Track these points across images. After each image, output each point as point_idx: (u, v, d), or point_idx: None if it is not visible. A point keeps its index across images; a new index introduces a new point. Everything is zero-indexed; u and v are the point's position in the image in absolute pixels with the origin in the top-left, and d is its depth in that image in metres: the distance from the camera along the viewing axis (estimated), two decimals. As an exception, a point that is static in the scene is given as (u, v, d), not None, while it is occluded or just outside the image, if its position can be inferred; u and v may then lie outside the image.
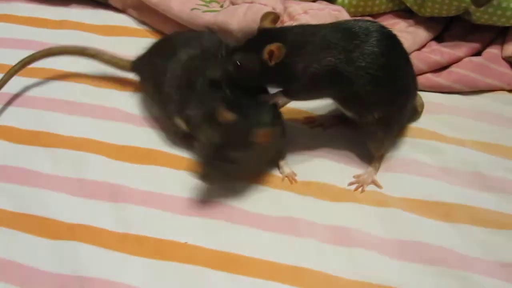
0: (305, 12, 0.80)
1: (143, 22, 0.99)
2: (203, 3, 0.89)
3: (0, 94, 0.86)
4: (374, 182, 0.74)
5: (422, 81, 0.85)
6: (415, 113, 0.80)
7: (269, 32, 0.69)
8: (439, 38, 0.92)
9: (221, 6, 0.88)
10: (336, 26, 0.70)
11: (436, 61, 0.86)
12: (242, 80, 0.69)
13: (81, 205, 0.72)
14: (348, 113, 0.73)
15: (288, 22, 0.80)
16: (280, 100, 0.73)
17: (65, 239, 0.68)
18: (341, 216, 0.71)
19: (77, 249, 0.68)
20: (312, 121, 0.81)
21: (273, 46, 0.64)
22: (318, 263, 0.66)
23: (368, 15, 0.95)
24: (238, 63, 0.67)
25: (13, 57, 0.92)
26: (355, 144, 0.78)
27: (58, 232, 0.69)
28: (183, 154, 0.77)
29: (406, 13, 0.93)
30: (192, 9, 0.86)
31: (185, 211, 0.71)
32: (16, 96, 0.87)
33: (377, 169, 0.75)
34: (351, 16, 0.88)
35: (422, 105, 0.81)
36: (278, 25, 0.78)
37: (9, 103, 0.86)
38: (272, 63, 0.66)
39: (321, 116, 0.82)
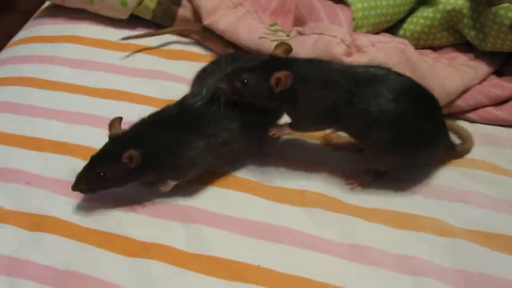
0: (373, 45, 0.82)
1: (206, 47, 1.02)
2: (270, 32, 0.92)
3: (75, 114, 0.89)
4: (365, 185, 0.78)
5: (482, 114, 0.87)
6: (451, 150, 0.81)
7: (280, 60, 0.72)
8: (498, 72, 0.93)
9: (288, 36, 0.91)
10: (344, 68, 0.73)
11: (497, 95, 0.87)
12: (244, 97, 0.72)
13: (153, 224, 0.75)
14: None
15: (356, 54, 0.82)
16: (286, 131, 0.76)
17: (139, 257, 0.71)
18: (405, 244, 0.72)
19: (151, 266, 0.70)
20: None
21: (281, 74, 0.68)
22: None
23: (429, 48, 0.97)
24: (245, 81, 0.71)
25: (80, 77, 0.97)
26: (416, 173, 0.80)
27: (132, 249, 0.72)
28: (253, 178, 0.80)
29: (466, 47, 0.95)
30: (260, 38, 0.89)
31: (257, 234, 0.73)
32: (93, 117, 0.90)
33: (374, 178, 0.78)
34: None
35: (470, 138, 0.83)
36: (347, 57, 0.81)
37: (89, 123, 0.89)
38: (278, 89, 0.69)
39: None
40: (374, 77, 0.71)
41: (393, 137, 0.71)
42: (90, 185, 0.73)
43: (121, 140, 0.73)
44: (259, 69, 0.72)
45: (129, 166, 0.70)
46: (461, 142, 0.83)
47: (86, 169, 0.73)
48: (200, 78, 0.81)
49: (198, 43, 1.04)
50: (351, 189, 0.78)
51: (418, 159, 0.77)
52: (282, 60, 0.73)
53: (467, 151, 0.82)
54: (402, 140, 0.72)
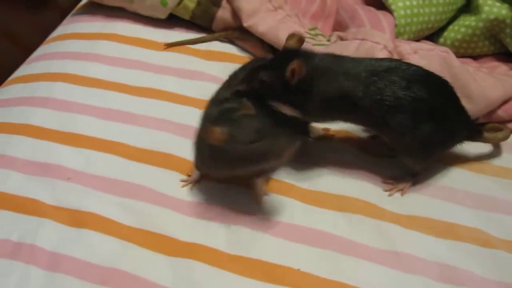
0: (415, 52, 0.82)
1: (245, 49, 1.03)
2: (310, 36, 0.92)
3: (114, 111, 0.90)
4: (404, 191, 0.78)
5: (522, 125, 0.87)
6: (476, 135, 0.81)
7: (293, 52, 0.72)
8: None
9: (328, 40, 0.91)
10: (358, 59, 0.74)
11: (536, 104, 0.87)
12: (265, 96, 0.73)
13: (195, 225, 0.75)
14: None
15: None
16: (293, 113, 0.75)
17: (181, 257, 0.71)
18: (445, 253, 0.72)
19: (193, 267, 0.70)
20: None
21: (294, 64, 0.68)
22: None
23: (469, 57, 0.96)
24: (263, 79, 0.71)
25: (117, 75, 0.98)
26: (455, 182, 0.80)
27: (174, 249, 0.72)
28: (294, 182, 0.80)
29: (507, 57, 0.95)
30: (301, 42, 0.89)
31: (297, 238, 0.73)
32: (131, 115, 0.91)
33: (412, 182, 0.79)
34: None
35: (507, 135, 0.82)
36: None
37: (127, 121, 0.90)
38: (294, 80, 0.69)
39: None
40: (387, 68, 0.72)
41: (410, 120, 0.72)
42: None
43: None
44: (274, 64, 0.72)
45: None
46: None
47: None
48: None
49: (236, 44, 1.04)
50: (390, 195, 0.78)
51: (441, 144, 0.77)
52: (295, 51, 0.73)
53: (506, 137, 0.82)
54: (419, 122, 0.72)
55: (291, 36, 0.74)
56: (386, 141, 0.77)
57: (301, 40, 0.74)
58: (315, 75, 0.71)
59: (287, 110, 0.74)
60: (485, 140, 0.82)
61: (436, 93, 0.73)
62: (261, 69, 0.72)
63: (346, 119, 0.77)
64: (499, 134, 0.81)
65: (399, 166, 0.80)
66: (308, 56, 0.72)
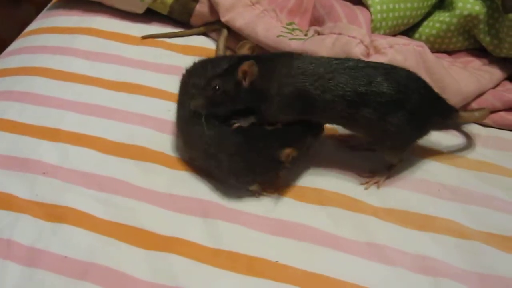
0: (391, 47, 0.83)
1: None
2: (287, 30, 0.92)
3: (91, 106, 0.90)
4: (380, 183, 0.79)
5: (496, 118, 0.89)
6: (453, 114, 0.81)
7: (246, 57, 0.73)
8: (510, 78, 0.95)
9: (305, 35, 0.92)
10: (314, 58, 0.74)
11: (510, 99, 0.88)
12: (222, 105, 0.73)
13: (173, 218, 0.75)
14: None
15: (374, 55, 0.83)
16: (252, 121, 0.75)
17: (160, 250, 0.71)
18: (422, 245, 0.73)
19: (171, 260, 0.70)
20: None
21: (245, 65, 0.69)
22: (403, 290, 0.68)
23: (444, 52, 0.98)
24: (217, 88, 0.72)
25: (95, 69, 0.97)
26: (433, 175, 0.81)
27: (154, 243, 0.72)
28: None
29: (480, 52, 0.97)
30: (278, 36, 0.90)
31: (276, 231, 0.74)
32: (109, 109, 0.91)
33: (388, 175, 0.80)
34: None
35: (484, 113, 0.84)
36: (366, 57, 0.82)
37: (105, 115, 0.90)
38: (247, 82, 0.70)
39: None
40: (347, 65, 0.72)
41: (375, 114, 0.72)
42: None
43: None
44: (227, 71, 0.73)
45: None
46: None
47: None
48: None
49: (214, 39, 1.04)
50: (366, 188, 0.79)
51: (415, 133, 0.77)
52: (247, 57, 0.73)
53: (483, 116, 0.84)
54: (386, 114, 0.72)
55: (243, 44, 0.74)
56: (361, 136, 0.78)
57: (253, 48, 0.74)
58: (270, 75, 0.71)
59: (245, 122, 0.74)
60: (462, 119, 0.82)
61: (401, 85, 0.72)
62: (213, 78, 0.73)
63: (310, 118, 0.76)
64: (476, 113, 0.82)
65: (376, 160, 0.81)
66: (261, 58, 0.73)
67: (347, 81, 0.70)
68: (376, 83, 0.71)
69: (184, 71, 0.85)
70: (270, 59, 0.73)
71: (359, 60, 0.74)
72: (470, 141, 0.86)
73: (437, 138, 0.86)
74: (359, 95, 0.70)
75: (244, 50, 0.74)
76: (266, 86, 0.71)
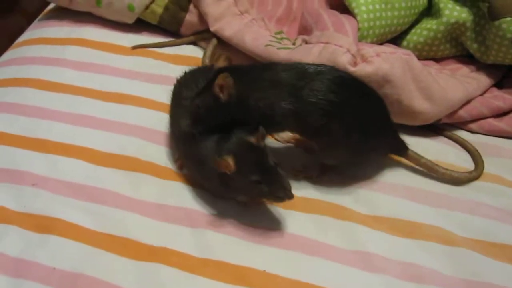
0: (378, 55, 0.84)
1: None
2: (275, 39, 0.92)
3: (81, 116, 0.90)
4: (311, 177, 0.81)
5: (484, 125, 0.89)
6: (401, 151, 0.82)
7: (223, 70, 0.73)
8: (498, 84, 0.95)
9: (293, 44, 0.92)
10: (288, 66, 0.75)
11: (498, 106, 0.89)
12: (209, 121, 0.74)
13: (161, 228, 0.75)
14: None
15: (361, 64, 0.83)
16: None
17: (147, 261, 0.71)
18: (409, 252, 0.73)
19: (159, 270, 0.70)
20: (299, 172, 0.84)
21: (219, 79, 0.69)
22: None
23: (432, 59, 0.99)
24: (198, 106, 0.73)
25: (85, 80, 0.98)
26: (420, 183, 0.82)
27: (140, 253, 0.72)
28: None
29: (468, 59, 0.97)
30: (266, 45, 0.90)
31: (262, 240, 0.74)
32: (98, 120, 0.91)
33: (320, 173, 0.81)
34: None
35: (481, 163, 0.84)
36: (353, 66, 0.83)
37: (94, 126, 0.90)
38: (225, 95, 0.71)
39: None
40: (319, 70, 0.74)
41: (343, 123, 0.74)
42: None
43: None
44: (205, 88, 0.74)
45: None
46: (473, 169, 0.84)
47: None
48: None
49: (204, 48, 1.04)
50: (296, 180, 0.80)
51: (356, 150, 0.78)
52: (224, 69, 0.73)
53: (476, 177, 0.83)
54: (350, 126, 0.74)
55: (218, 56, 0.75)
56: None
57: (228, 57, 0.75)
58: (246, 89, 0.72)
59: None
60: (409, 158, 0.83)
61: (364, 107, 0.76)
62: (195, 97, 0.74)
63: (290, 129, 0.78)
64: (423, 159, 0.82)
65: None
66: (237, 70, 0.73)
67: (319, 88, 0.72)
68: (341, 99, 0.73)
69: (175, 82, 0.85)
70: (246, 72, 0.73)
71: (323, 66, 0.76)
72: (454, 149, 0.87)
73: (425, 145, 0.87)
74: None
75: (220, 62, 0.74)
76: (245, 102, 0.72)
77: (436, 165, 0.82)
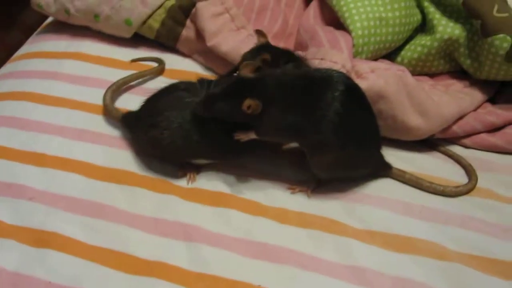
0: (372, 71, 0.85)
1: (208, 68, 1.04)
2: (272, 55, 0.93)
3: (78, 130, 0.91)
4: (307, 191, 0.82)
5: (477, 140, 0.90)
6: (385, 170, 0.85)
7: (248, 81, 0.75)
8: (491, 99, 0.96)
9: (289, 59, 0.93)
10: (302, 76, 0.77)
11: (491, 121, 0.90)
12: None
13: (156, 242, 0.76)
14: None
15: (356, 80, 0.84)
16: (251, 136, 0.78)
17: (143, 275, 0.72)
18: (403, 267, 0.73)
19: (154, 285, 0.71)
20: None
21: (253, 103, 0.72)
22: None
23: (426, 74, 1.00)
24: (217, 109, 0.75)
25: (82, 94, 0.98)
26: (414, 197, 0.83)
27: (136, 267, 0.73)
28: (255, 199, 0.82)
29: (461, 74, 0.98)
30: (263, 61, 0.91)
31: (258, 255, 0.74)
32: (95, 134, 0.92)
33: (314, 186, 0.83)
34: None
35: (475, 177, 0.85)
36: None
37: (91, 140, 0.91)
38: (249, 112, 0.73)
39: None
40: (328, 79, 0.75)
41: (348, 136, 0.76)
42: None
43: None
44: (229, 94, 0.75)
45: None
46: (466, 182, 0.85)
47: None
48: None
49: (200, 63, 1.05)
50: (292, 193, 0.82)
51: (346, 162, 0.80)
52: (250, 81, 0.75)
53: (465, 191, 0.84)
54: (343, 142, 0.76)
55: (246, 65, 0.75)
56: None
57: (255, 68, 0.76)
58: (267, 104, 0.73)
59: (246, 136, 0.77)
60: (394, 176, 0.84)
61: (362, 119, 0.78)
62: (215, 98, 0.75)
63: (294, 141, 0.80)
64: (407, 174, 0.84)
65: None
66: (263, 86, 0.74)
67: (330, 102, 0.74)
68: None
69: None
70: (269, 87, 0.75)
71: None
72: (447, 164, 0.88)
73: (419, 160, 0.88)
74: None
75: (247, 71, 0.75)
76: (262, 115, 0.74)
77: (421, 179, 0.83)
